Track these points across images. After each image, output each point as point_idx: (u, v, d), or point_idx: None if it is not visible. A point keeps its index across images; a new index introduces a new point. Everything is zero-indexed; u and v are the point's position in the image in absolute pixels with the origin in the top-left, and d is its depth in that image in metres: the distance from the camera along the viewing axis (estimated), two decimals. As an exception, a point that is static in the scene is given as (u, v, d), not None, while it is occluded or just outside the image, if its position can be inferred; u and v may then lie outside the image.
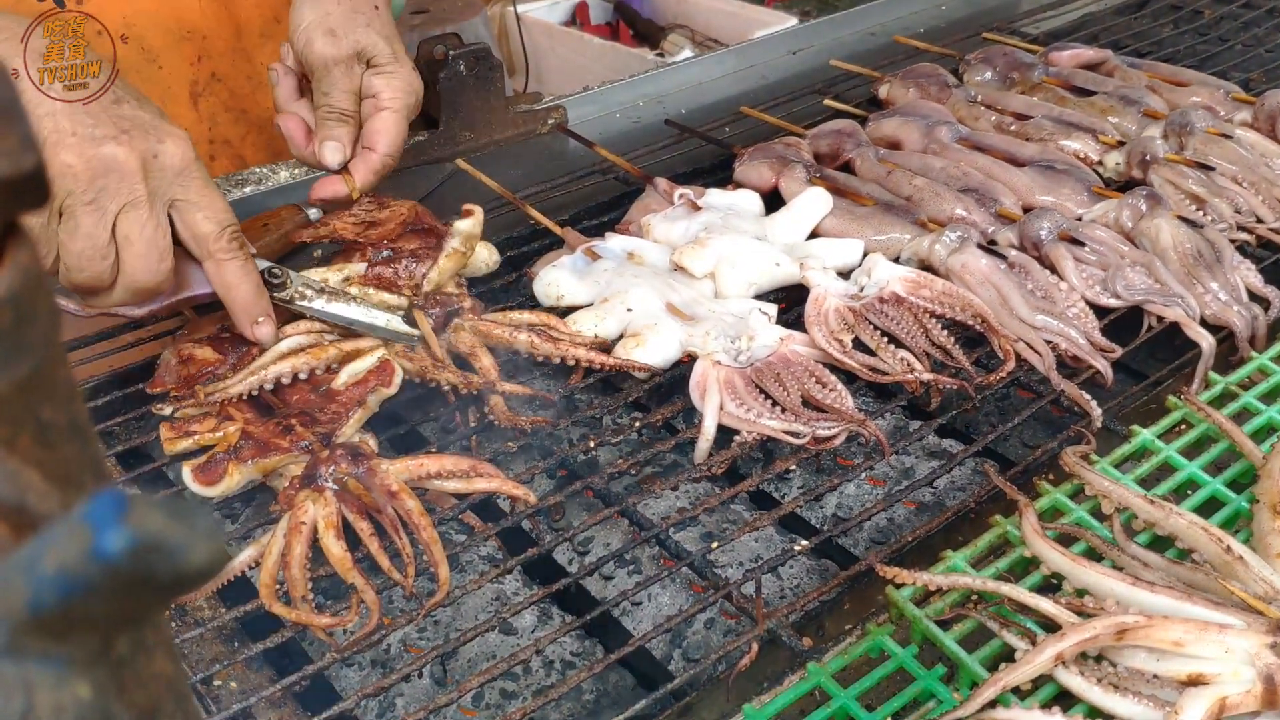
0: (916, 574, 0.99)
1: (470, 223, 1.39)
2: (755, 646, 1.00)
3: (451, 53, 1.80)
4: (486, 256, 1.43)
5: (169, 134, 1.18)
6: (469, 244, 1.38)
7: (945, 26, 2.34)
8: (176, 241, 1.21)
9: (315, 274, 1.32)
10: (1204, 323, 1.37)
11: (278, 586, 1.05)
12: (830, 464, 1.27)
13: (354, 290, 1.34)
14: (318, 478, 1.11)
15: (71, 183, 1.12)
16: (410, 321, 1.30)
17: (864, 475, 1.27)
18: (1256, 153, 1.66)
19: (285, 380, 1.24)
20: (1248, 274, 1.43)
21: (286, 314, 1.30)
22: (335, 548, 1.07)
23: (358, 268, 1.33)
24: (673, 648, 1.10)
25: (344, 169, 1.39)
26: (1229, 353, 1.36)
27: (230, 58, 1.79)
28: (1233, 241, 1.48)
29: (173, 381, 1.27)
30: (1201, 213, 1.54)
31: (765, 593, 1.13)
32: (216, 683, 1.04)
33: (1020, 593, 0.96)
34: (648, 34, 5.77)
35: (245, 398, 1.22)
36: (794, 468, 1.25)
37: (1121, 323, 1.39)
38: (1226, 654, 0.90)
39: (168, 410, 1.23)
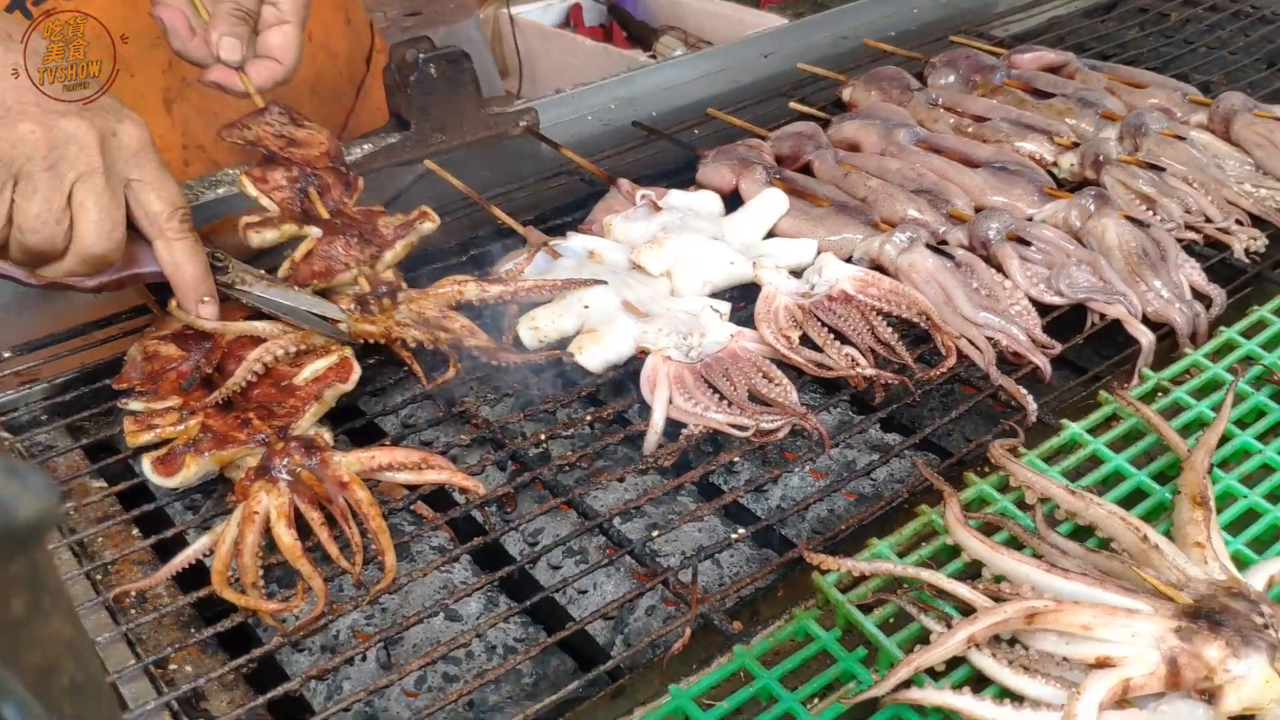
0: (841, 560, 1.03)
1: (430, 226, 1.45)
2: (688, 631, 1.04)
3: (422, 56, 1.84)
4: (431, 228, 1.49)
5: (128, 117, 1.24)
6: (423, 243, 1.44)
7: (917, 29, 2.37)
8: (129, 221, 1.25)
9: (271, 232, 1.40)
10: (1146, 320, 1.40)
11: (230, 573, 1.09)
12: (776, 457, 1.31)
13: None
14: (272, 469, 1.15)
15: (31, 149, 1.17)
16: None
17: (808, 468, 1.30)
18: (1209, 154, 1.69)
19: (258, 371, 1.28)
20: (1192, 272, 1.46)
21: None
22: (286, 536, 1.11)
23: (315, 231, 1.38)
24: (615, 634, 1.13)
25: (239, 68, 1.43)
26: (1171, 349, 1.39)
27: None
28: (1180, 241, 1.52)
29: (138, 377, 1.31)
30: (1151, 212, 1.57)
31: (706, 580, 1.17)
32: (172, 666, 1.07)
33: (938, 578, 1.00)
34: (641, 36, 5.80)
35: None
36: (737, 459, 1.29)
37: (1068, 320, 1.42)
38: (1133, 638, 0.93)
39: (132, 405, 1.26)
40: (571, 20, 6.05)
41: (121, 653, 1.04)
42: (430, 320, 1.35)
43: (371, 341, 1.34)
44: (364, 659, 1.09)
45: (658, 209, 1.60)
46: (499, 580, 1.18)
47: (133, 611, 1.11)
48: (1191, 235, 1.54)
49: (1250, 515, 1.12)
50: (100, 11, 1.71)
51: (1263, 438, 1.19)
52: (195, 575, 1.12)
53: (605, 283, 1.41)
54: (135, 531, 1.21)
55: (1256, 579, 1.02)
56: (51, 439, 1.34)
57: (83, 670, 0.51)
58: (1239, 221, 1.57)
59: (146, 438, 1.22)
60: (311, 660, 1.11)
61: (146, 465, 1.19)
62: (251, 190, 1.43)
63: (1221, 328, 1.35)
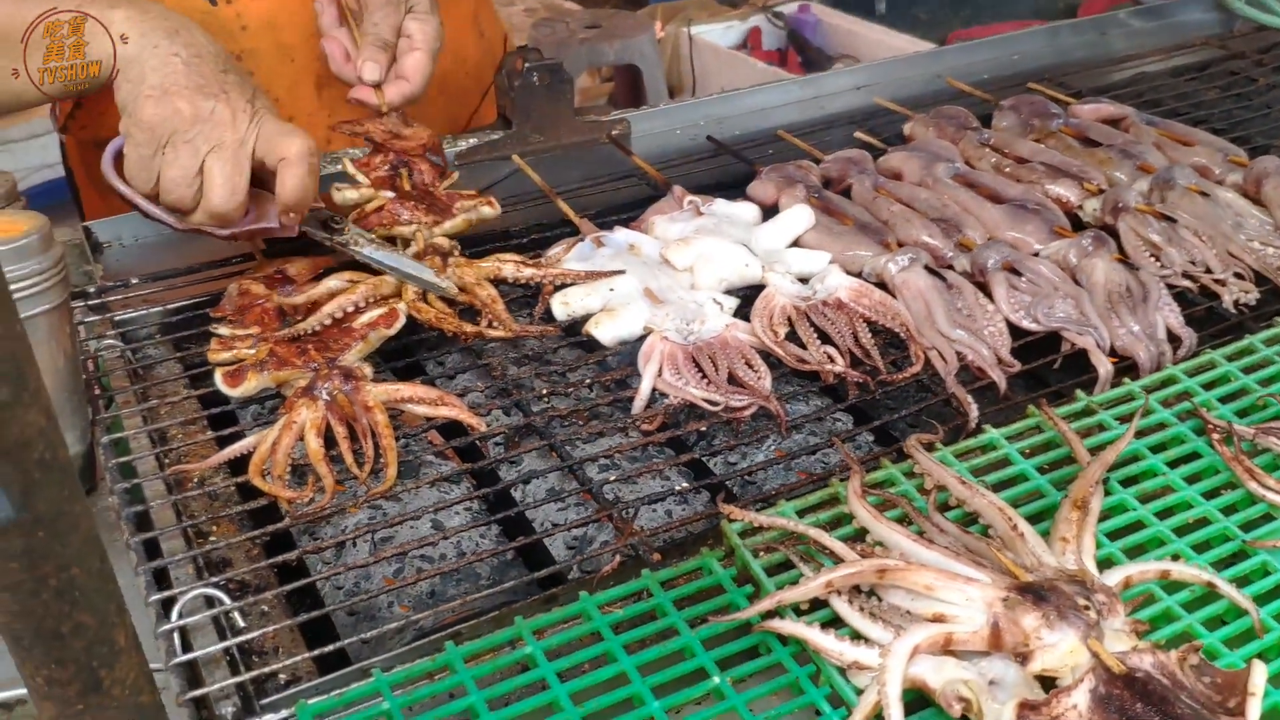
0: (745, 512, 1.21)
1: (489, 211, 1.69)
2: (617, 558, 1.23)
3: (528, 64, 2.09)
4: (491, 214, 1.73)
5: (259, 96, 1.53)
6: (479, 223, 1.67)
7: (1010, 75, 2.49)
8: (259, 184, 1.53)
9: (351, 192, 1.66)
10: (1115, 352, 1.53)
11: (265, 468, 1.34)
12: (749, 435, 1.48)
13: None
14: (315, 390, 1.41)
15: (178, 123, 1.46)
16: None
17: (774, 446, 1.48)
18: (1231, 211, 1.78)
19: (325, 324, 1.54)
20: (1169, 315, 1.57)
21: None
22: (314, 443, 1.35)
23: (388, 194, 1.65)
24: (573, 559, 1.34)
25: (377, 86, 1.71)
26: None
27: None
28: (1175, 288, 1.63)
29: (231, 309, 1.59)
30: (1154, 259, 1.68)
31: (654, 524, 1.36)
32: (212, 538, 1.33)
33: (821, 535, 1.17)
34: (815, 62, 5.98)
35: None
36: (704, 429, 1.47)
37: (1050, 343, 1.56)
38: (966, 601, 1.08)
39: (220, 330, 1.54)
40: (749, 43, 6.27)
41: (168, 516, 1.30)
42: (467, 285, 1.59)
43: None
44: (355, 545, 1.33)
45: (700, 214, 1.80)
46: (486, 505, 1.41)
47: (193, 491, 1.37)
48: (1187, 283, 1.65)
49: (1136, 526, 1.24)
50: (269, 5, 2.02)
51: (1173, 464, 1.31)
52: (239, 467, 1.38)
53: (624, 272, 1.62)
54: (209, 431, 1.48)
55: (1113, 576, 1.15)
56: (160, 353, 1.63)
57: (51, 451, 0.75)
58: (1239, 275, 1.67)
59: (224, 356, 1.49)
60: (319, 545, 1.35)
61: (217, 377, 1.45)
62: (350, 169, 1.72)
63: (1169, 365, 1.46)
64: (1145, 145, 1.97)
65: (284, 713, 1.08)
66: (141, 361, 1.59)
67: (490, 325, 1.57)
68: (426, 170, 1.73)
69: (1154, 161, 1.92)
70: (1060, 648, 1.05)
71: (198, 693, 1.09)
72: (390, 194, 1.67)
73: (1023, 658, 1.06)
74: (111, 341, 1.59)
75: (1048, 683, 1.05)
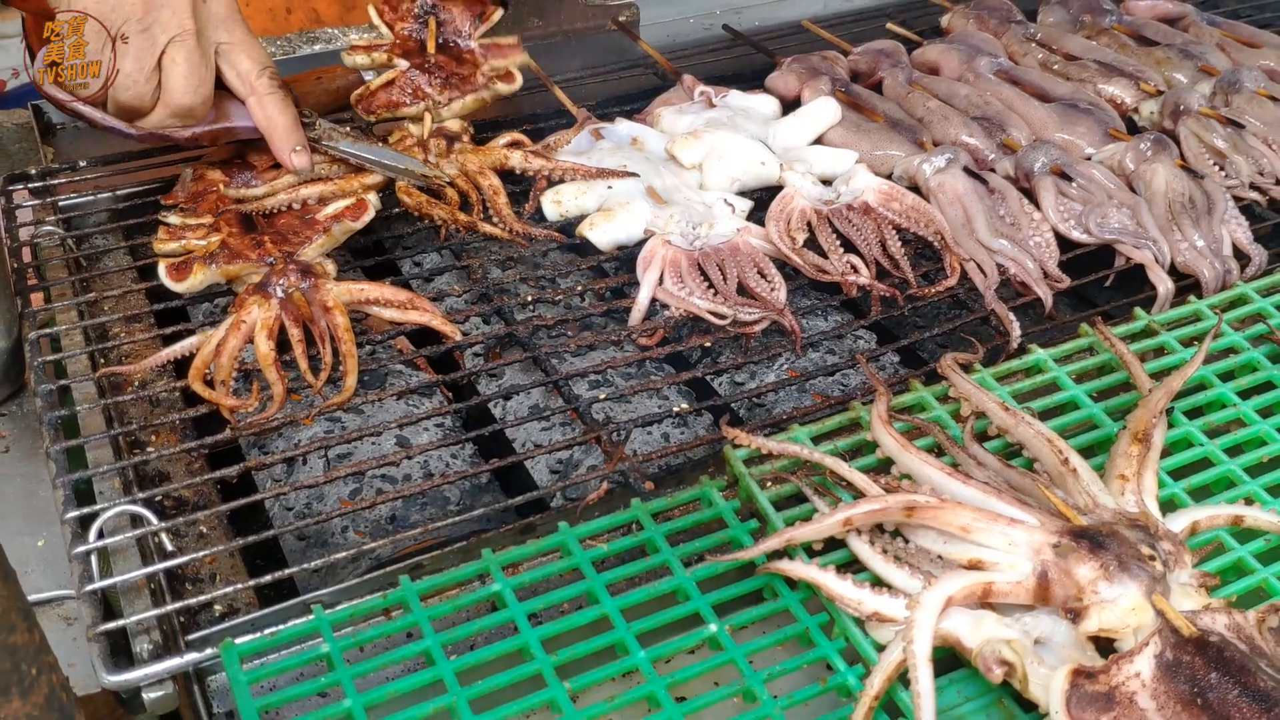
0: (751, 437, 1.05)
1: (508, 88, 1.52)
2: (604, 485, 1.07)
3: (527, -61, 1.89)
4: (507, 89, 1.57)
5: None
6: (495, 99, 1.51)
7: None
8: (221, 85, 1.35)
9: (363, 39, 1.50)
10: (1175, 270, 1.35)
11: (208, 372, 1.18)
12: (759, 352, 1.32)
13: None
14: (268, 286, 1.24)
15: (130, 10, 1.27)
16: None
17: (785, 366, 1.32)
18: (1305, 118, 1.60)
19: (312, 202, 1.37)
20: (1237, 230, 1.40)
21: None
22: (264, 345, 1.19)
23: (401, 64, 1.50)
24: (557, 484, 1.18)
25: None
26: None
27: None
28: (1240, 200, 1.45)
29: (184, 195, 1.41)
30: (1218, 168, 1.50)
31: (650, 449, 1.20)
32: (150, 450, 1.17)
33: (839, 465, 1.00)
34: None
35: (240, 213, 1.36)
36: (709, 344, 1.30)
37: (1101, 258, 1.38)
38: (1010, 546, 0.93)
39: (170, 218, 1.37)
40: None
41: (97, 422, 1.14)
42: (469, 173, 1.43)
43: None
44: (306, 462, 1.17)
45: (712, 105, 1.62)
46: (460, 422, 1.25)
47: (129, 395, 1.21)
48: (1254, 195, 1.47)
49: (1203, 464, 1.08)
50: None
51: (1244, 394, 1.15)
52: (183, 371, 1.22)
53: (638, 175, 1.44)
54: (155, 329, 1.32)
55: (1177, 521, 0.99)
56: (108, 242, 1.46)
57: None
58: (1314, 187, 1.48)
59: (171, 246, 1.32)
60: (270, 459, 1.19)
61: (161, 269, 1.29)
62: (375, 19, 1.53)
63: (1239, 282, 1.29)
64: (1207, 46, 1.78)
65: (210, 651, 0.92)
66: (85, 251, 1.42)
67: (492, 221, 1.40)
68: (459, 13, 1.53)
69: (1217, 64, 1.73)
70: (1121, 604, 0.89)
71: (109, 626, 0.93)
72: (404, 64, 1.49)
73: (1074, 614, 0.90)
74: (51, 228, 1.42)
75: (1100, 645, 0.90)
